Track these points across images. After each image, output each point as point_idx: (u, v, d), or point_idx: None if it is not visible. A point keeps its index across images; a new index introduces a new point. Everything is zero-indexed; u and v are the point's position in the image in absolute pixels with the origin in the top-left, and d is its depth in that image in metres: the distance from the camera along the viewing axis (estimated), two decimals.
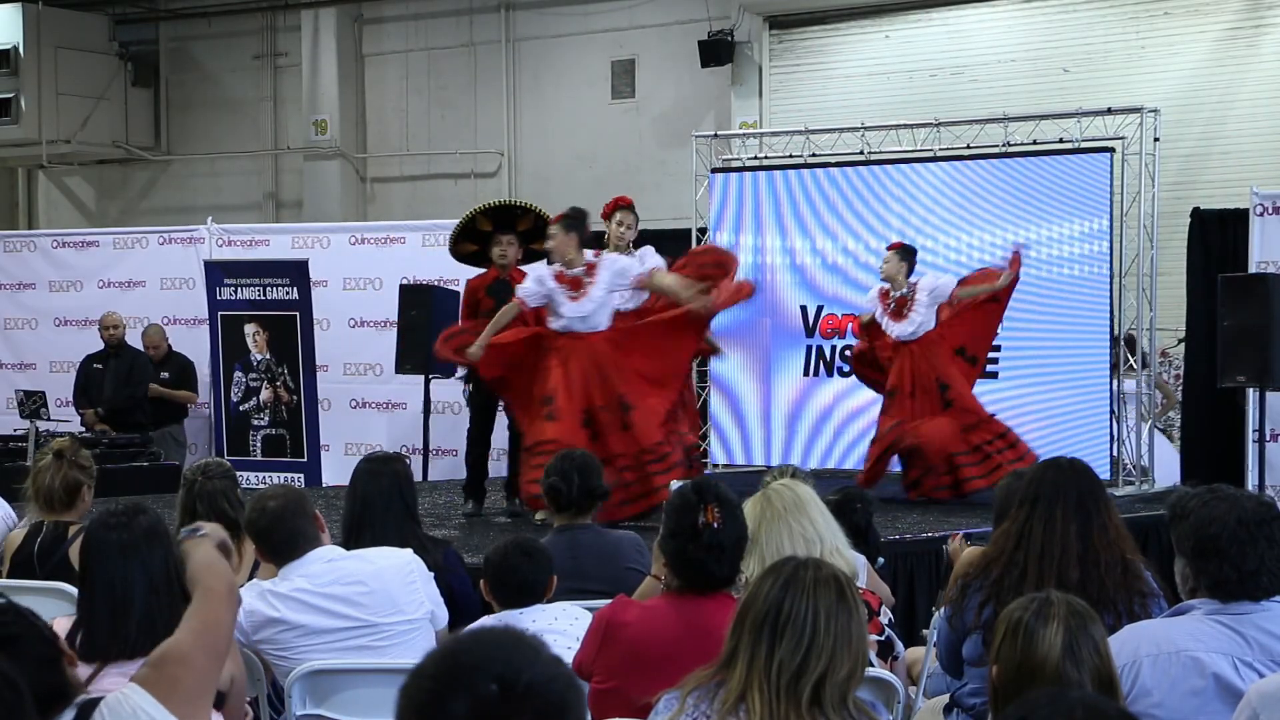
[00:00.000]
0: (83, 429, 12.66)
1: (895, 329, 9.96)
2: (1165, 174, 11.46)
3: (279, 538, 4.78)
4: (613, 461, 7.95)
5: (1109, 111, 11.04)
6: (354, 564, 4.82)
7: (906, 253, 10.19)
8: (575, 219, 8.58)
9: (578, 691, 2.02)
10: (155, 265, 13.91)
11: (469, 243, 9.35)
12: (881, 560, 6.53)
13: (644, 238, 9.72)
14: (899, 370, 9.96)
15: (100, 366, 13.01)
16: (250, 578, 5.22)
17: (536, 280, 8.53)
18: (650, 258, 8.90)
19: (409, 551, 4.96)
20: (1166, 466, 11.15)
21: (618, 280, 8.50)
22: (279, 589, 4.72)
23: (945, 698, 4.81)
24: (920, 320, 9.94)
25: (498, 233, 9.13)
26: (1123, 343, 11.02)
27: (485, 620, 4.73)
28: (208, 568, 3.41)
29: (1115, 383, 10.92)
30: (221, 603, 3.32)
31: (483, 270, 9.34)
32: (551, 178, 16.42)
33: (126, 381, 12.94)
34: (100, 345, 13.18)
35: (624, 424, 8.36)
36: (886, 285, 10.10)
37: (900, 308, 9.98)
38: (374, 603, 4.76)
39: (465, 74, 17.04)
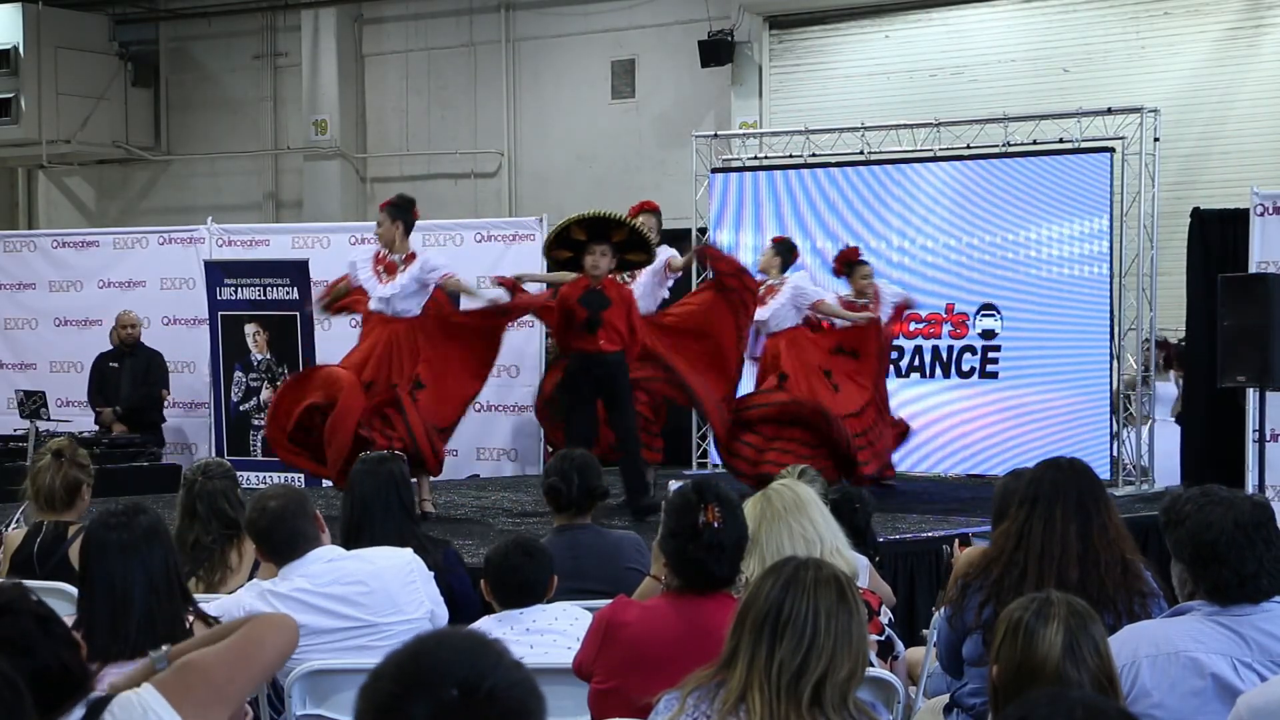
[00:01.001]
0: (97, 428, 12.63)
1: (758, 313, 10.09)
2: (1165, 174, 11.46)
3: (279, 538, 4.78)
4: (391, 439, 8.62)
5: (1109, 111, 11.04)
6: (354, 564, 4.82)
7: (783, 248, 10.47)
8: (401, 207, 9.20)
9: (539, 698, 2.00)
10: (155, 265, 13.89)
11: (563, 249, 9.17)
12: (877, 559, 6.53)
13: None
14: (785, 359, 10.15)
15: (116, 365, 12.98)
16: (250, 578, 5.23)
17: (360, 256, 9.24)
18: (665, 255, 9.51)
19: (409, 551, 4.96)
20: (1169, 466, 11.14)
21: (425, 273, 9.02)
22: (279, 589, 4.72)
23: (945, 698, 4.81)
24: (774, 310, 10.13)
25: (591, 242, 8.94)
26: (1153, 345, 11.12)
27: (485, 620, 4.74)
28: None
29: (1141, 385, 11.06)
30: (271, 627, 3.31)
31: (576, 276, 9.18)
32: (551, 178, 16.42)
33: (144, 380, 12.93)
34: (103, 343, 13.19)
35: (413, 399, 8.90)
36: (763, 276, 10.23)
37: (766, 295, 10.16)
38: (374, 603, 4.75)
39: (465, 74, 17.04)
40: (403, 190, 17.14)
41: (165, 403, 13.29)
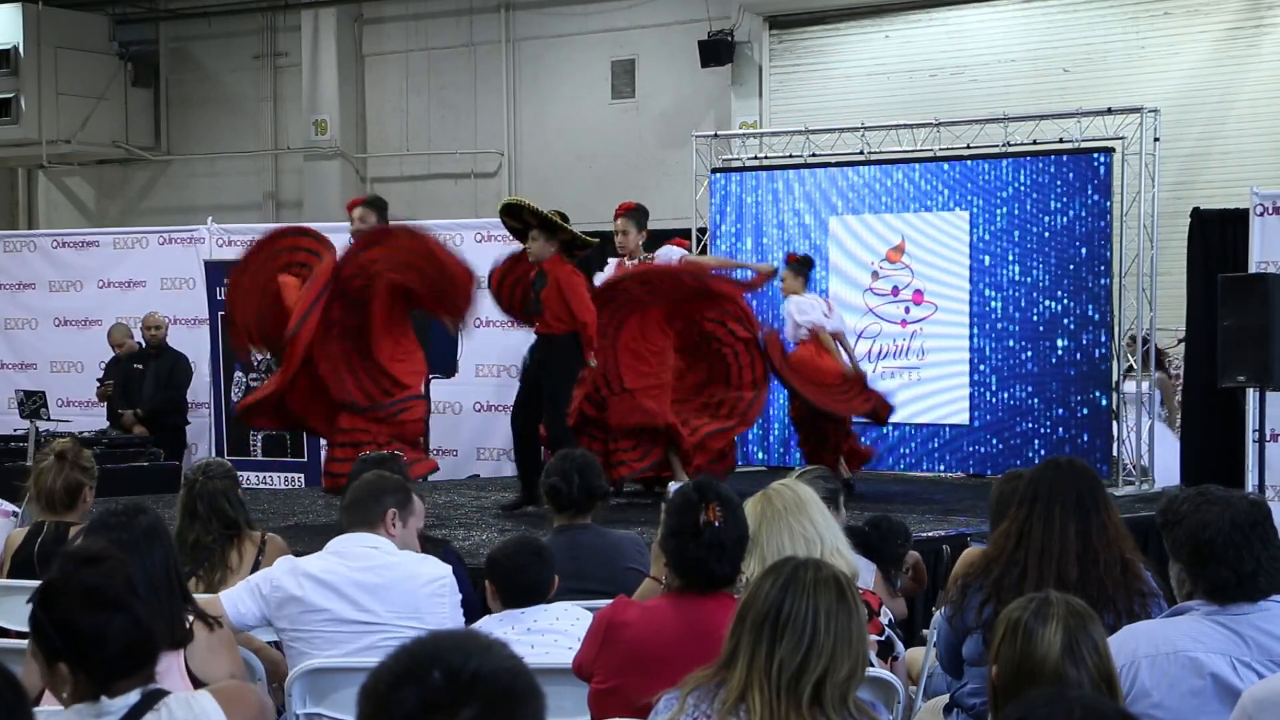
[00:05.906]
0: (117, 430, 12.60)
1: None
2: (1165, 174, 11.46)
3: (352, 503, 4.94)
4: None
5: (1109, 111, 11.04)
6: (389, 559, 4.80)
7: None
8: (384, 208, 9.16)
9: (530, 683, 2.02)
10: (155, 265, 13.90)
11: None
12: (902, 580, 6.51)
13: (647, 238, 9.86)
14: None
15: (140, 367, 12.93)
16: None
17: None
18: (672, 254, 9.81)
19: (448, 568, 4.93)
20: (1167, 466, 11.13)
21: None
22: (310, 566, 4.74)
23: (945, 698, 4.81)
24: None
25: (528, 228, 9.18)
26: (1124, 343, 11.05)
27: (486, 620, 4.73)
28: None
29: (1126, 384, 10.99)
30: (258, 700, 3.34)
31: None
32: (551, 178, 16.41)
33: (168, 383, 12.85)
34: (102, 343, 13.18)
35: None
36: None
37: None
38: (394, 601, 4.73)
39: (465, 74, 17.04)
40: (403, 190, 17.27)
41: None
